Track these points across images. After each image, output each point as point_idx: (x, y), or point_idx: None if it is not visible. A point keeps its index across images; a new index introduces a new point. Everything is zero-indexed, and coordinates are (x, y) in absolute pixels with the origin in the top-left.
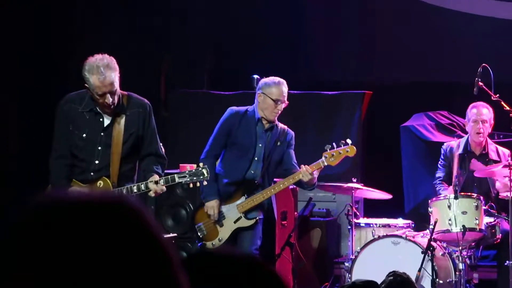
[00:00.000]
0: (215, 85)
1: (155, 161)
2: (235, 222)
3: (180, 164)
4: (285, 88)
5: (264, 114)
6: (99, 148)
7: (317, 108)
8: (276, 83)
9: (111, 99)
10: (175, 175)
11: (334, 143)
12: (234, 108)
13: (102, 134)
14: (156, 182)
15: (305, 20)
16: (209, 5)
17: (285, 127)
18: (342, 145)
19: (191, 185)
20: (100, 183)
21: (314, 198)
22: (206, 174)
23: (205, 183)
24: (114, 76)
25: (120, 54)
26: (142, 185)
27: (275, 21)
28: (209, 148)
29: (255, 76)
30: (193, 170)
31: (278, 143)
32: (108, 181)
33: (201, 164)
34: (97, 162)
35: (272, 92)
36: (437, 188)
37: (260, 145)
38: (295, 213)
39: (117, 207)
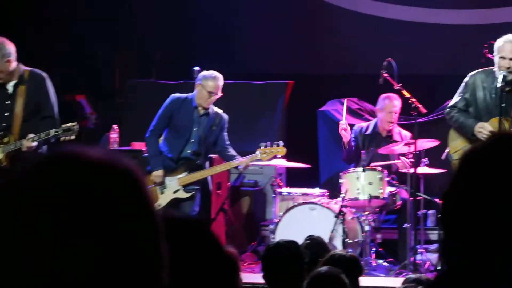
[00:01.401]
0: (162, 76)
1: (45, 122)
2: (174, 192)
3: (132, 142)
4: (220, 82)
5: (199, 102)
6: (6, 113)
7: (248, 96)
8: (213, 77)
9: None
10: (52, 130)
11: (269, 142)
12: (176, 95)
13: (7, 102)
14: (29, 139)
15: (238, 18)
16: (155, 5)
17: (220, 111)
18: (275, 145)
19: (62, 139)
20: (6, 139)
21: (244, 170)
22: (75, 130)
23: (73, 137)
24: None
25: (82, 50)
26: (19, 142)
27: (213, 19)
28: (153, 128)
29: (196, 68)
30: (66, 127)
31: (213, 127)
32: (12, 138)
33: (73, 123)
34: (4, 124)
35: (209, 84)
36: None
37: (196, 128)
38: (228, 183)
39: (116, 167)
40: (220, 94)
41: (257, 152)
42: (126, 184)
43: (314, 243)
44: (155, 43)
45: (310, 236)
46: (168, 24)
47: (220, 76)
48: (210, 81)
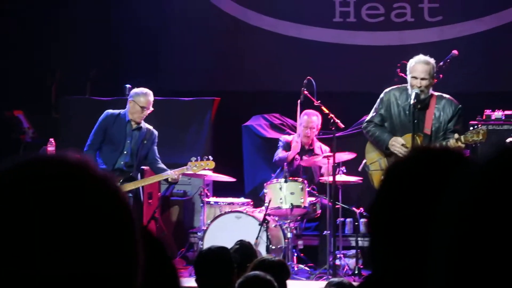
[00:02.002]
0: (95, 92)
1: None
2: None
3: None
4: (151, 98)
5: (132, 117)
6: None
7: (176, 111)
8: (144, 94)
9: None
10: None
11: (199, 157)
12: (110, 110)
13: None
14: None
15: (166, 38)
16: (88, 24)
17: (151, 127)
18: (205, 159)
19: None
20: None
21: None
22: None
23: None
24: None
25: (19, 67)
26: None
27: (142, 40)
28: (90, 143)
29: (127, 86)
30: None
31: (145, 141)
32: None
33: None
34: None
35: (140, 100)
36: (278, 158)
37: (128, 141)
38: (159, 193)
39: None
40: (151, 109)
41: (188, 165)
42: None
43: (243, 247)
44: (89, 61)
45: (241, 240)
46: (101, 42)
47: (150, 92)
48: (142, 97)
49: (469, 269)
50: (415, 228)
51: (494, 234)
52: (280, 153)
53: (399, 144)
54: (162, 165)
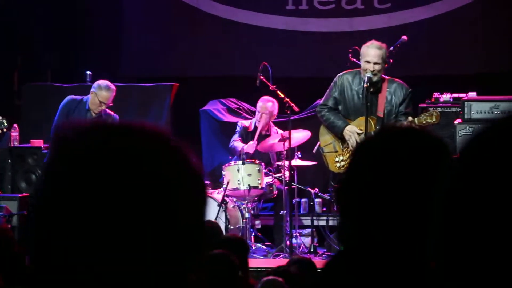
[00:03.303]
0: (57, 79)
1: None
2: None
3: (31, 140)
4: (112, 94)
5: (92, 108)
6: None
7: (136, 97)
8: (107, 89)
9: None
10: None
11: None
12: (73, 96)
13: None
14: None
15: (124, 25)
16: (50, 11)
17: (111, 112)
18: None
19: None
20: None
21: None
22: (6, 124)
23: (5, 130)
24: None
25: None
26: None
27: (102, 27)
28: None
29: (88, 72)
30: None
31: None
32: None
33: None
34: None
35: (102, 94)
36: (233, 145)
37: None
38: None
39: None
40: (110, 103)
41: None
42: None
43: (210, 226)
44: (51, 47)
45: (208, 220)
46: (62, 29)
47: (113, 88)
48: (104, 91)
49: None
50: (385, 203)
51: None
52: (236, 141)
53: (354, 134)
54: None
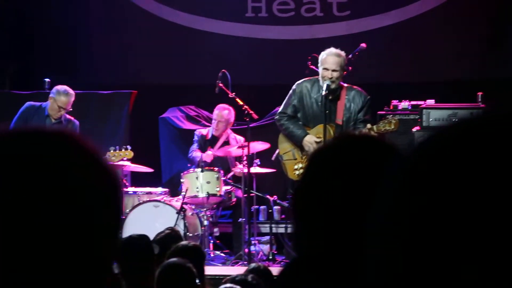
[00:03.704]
0: (15, 86)
1: None
2: None
3: None
4: (71, 99)
5: (50, 113)
6: None
7: (95, 104)
8: (65, 94)
9: None
10: None
11: (118, 146)
12: (31, 102)
13: None
14: None
15: (83, 33)
16: (7, 19)
17: (71, 118)
18: (123, 149)
19: None
20: None
21: None
22: None
23: None
24: None
25: None
26: None
27: (60, 34)
28: None
29: (47, 80)
30: None
31: None
32: None
33: None
34: None
35: (61, 100)
36: (192, 156)
37: None
38: None
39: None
40: (69, 109)
41: (107, 155)
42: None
43: (173, 234)
44: (9, 55)
45: (172, 227)
46: (20, 37)
47: (71, 93)
48: (63, 96)
49: (401, 251)
50: (337, 212)
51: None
52: (194, 151)
53: (313, 144)
54: None
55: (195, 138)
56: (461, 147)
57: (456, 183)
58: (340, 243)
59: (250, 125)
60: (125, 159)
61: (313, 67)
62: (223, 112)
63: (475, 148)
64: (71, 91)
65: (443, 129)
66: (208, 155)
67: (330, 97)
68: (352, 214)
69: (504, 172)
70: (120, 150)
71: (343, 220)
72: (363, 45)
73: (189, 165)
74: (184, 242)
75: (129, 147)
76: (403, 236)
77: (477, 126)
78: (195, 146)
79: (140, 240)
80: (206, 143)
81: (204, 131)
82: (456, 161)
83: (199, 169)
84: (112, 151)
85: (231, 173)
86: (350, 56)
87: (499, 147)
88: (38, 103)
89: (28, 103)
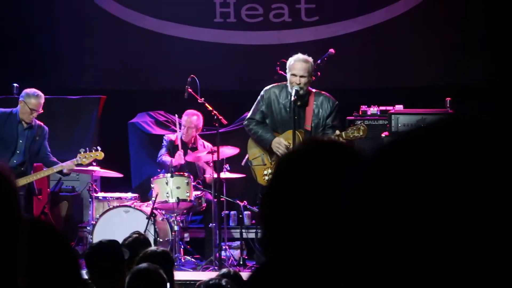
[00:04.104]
0: None
1: None
2: None
3: None
4: (41, 100)
5: (22, 118)
6: None
7: (63, 109)
8: (35, 96)
9: None
10: None
11: (87, 148)
12: (1, 109)
13: None
14: None
15: (53, 36)
16: None
17: (41, 123)
18: (93, 150)
19: None
20: None
21: (62, 177)
22: None
23: None
24: None
25: None
26: None
27: (28, 38)
28: None
29: (15, 84)
30: None
31: (37, 138)
32: None
33: None
34: None
35: (31, 102)
36: (162, 160)
37: (21, 141)
38: (48, 189)
39: None
40: (41, 111)
41: (77, 157)
42: None
43: (142, 239)
44: None
45: (138, 231)
46: None
47: (41, 95)
48: (33, 99)
49: (363, 257)
50: (304, 217)
51: (381, 222)
52: (163, 155)
53: (283, 147)
54: (54, 159)
55: (164, 143)
56: (414, 156)
57: (408, 193)
58: (305, 247)
59: (220, 130)
60: (95, 162)
61: (282, 72)
62: (192, 118)
63: (430, 157)
64: (41, 93)
65: (399, 137)
66: (179, 156)
67: (298, 103)
68: (317, 218)
69: (457, 181)
70: (91, 151)
71: (308, 225)
72: (332, 50)
73: (158, 170)
74: (153, 248)
75: (99, 148)
76: (361, 246)
77: (433, 133)
78: (163, 150)
79: (110, 245)
80: (175, 148)
81: (172, 136)
82: (411, 169)
83: (169, 174)
84: (82, 152)
85: (203, 179)
86: (318, 61)
87: (454, 156)
88: (8, 110)
89: None
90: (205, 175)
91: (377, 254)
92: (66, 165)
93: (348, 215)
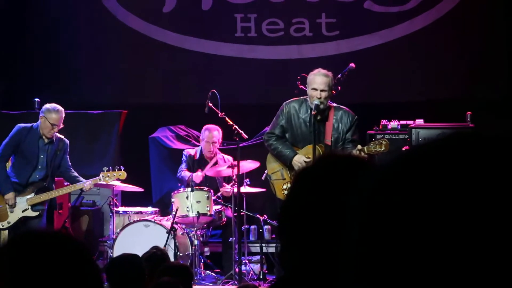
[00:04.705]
0: (4, 106)
1: None
2: (23, 211)
3: None
4: (62, 115)
5: (43, 133)
6: None
7: (85, 124)
8: (55, 110)
9: None
10: None
11: (111, 167)
12: (22, 124)
13: None
14: None
15: (75, 53)
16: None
17: (62, 136)
18: (116, 169)
19: None
20: None
21: (83, 192)
22: None
23: None
24: None
25: None
26: None
27: (51, 54)
28: (1, 155)
29: (36, 99)
30: None
31: (58, 152)
32: None
33: None
34: None
35: (52, 117)
36: (181, 176)
37: (42, 156)
38: (69, 204)
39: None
40: (61, 125)
41: (100, 176)
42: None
43: (159, 254)
44: None
45: (156, 246)
46: (9, 57)
47: (61, 110)
48: (53, 114)
49: (373, 266)
50: (322, 230)
51: (390, 230)
52: (183, 171)
53: (302, 164)
54: (75, 173)
55: (183, 158)
56: (425, 165)
57: (416, 201)
58: (322, 261)
59: (240, 145)
60: (119, 179)
61: (302, 86)
62: (214, 133)
63: (437, 166)
64: (61, 108)
65: (408, 150)
66: (198, 176)
67: (318, 117)
68: (334, 233)
69: (459, 190)
70: (114, 170)
71: (324, 239)
72: (352, 64)
73: (179, 184)
74: (172, 262)
75: (122, 167)
76: (369, 249)
77: (442, 145)
78: (183, 166)
79: (131, 259)
80: (195, 163)
81: (192, 151)
82: (419, 178)
83: (189, 189)
84: (105, 171)
85: (219, 193)
86: (339, 76)
87: (459, 166)
88: (28, 125)
89: (18, 126)
90: (220, 189)
91: (384, 257)
92: (88, 184)
93: (358, 220)
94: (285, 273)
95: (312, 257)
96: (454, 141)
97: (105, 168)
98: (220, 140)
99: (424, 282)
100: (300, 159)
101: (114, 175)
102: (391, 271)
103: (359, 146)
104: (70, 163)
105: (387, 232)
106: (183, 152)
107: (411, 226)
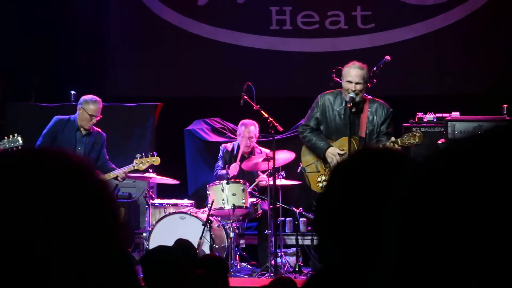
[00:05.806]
0: (41, 99)
1: None
2: None
3: None
4: (100, 106)
5: (81, 124)
6: None
7: (120, 117)
8: (93, 101)
9: None
10: None
11: (143, 153)
12: (60, 116)
13: None
14: None
15: (109, 45)
16: (32, 32)
17: (99, 130)
18: (149, 156)
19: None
20: None
21: (119, 184)
22: (20, 141)
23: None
24: None
25: None
26: None
27: (86, 47)
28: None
29: (72, 92)
30: (11, 138)
31: (95, 145)
32: None
33: (15, 135)
34: None
35: (90, 108)
36: (218, 174)
37: (79, 148)
38: None
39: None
40: (100, 116)
41: (134, 163)
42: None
43: (185, 244)
44: (35, 67)
45: (180, 238)
46: (45, 50)
47: (99, 100)
48: (91, 105)
49: (411, 262)
50: (359, 224)
51: (429, 226)
52: (220, 168)
53: (336, 156)
54: (112, 166)
55: (220, 153)
56: (464, 161)
57: (456, 197)
58: (359, 254)
59: (275, 138)
60: (151, 168)
61: (338, 79)
62: (251, 128)
63: (478, 162)
64: (99, 99)
65: (448, 144)
66: (233, 168)
67: (353, 110)
68: (371, 226)
69: (500, 186)
70: (147, 156)
71: (362, 232)
72: (388, 57)
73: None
74: (208, 254)
75: (155, 153)
76: (407, 251)
77: (484, 140)
78: (220, 162)
79: (166, 251)
80: (232, 158)
81: (229, 146)
82: (459, 173)
83: (225, 181)
84: (138, 158)
85: (255, 183)
86: (374, 68)
87: (502, 163)
88: (66, 117)
89: (56, 118)
90: (259, 180)
91: (423, 253)
92: (122, 171)
93: (397, 215)
94: (323, 266)
95: (349, 251)
96: (496, 136)
97: (138, 155)
98: (257, 134)
99: (464, 283)
100: (334, 151)
101: (148, 161)
102: (426, 271)
103: (392, 138)
104: (107, 157)
105: (427, 233)
106: (220, 147)
107: (455, 227)
